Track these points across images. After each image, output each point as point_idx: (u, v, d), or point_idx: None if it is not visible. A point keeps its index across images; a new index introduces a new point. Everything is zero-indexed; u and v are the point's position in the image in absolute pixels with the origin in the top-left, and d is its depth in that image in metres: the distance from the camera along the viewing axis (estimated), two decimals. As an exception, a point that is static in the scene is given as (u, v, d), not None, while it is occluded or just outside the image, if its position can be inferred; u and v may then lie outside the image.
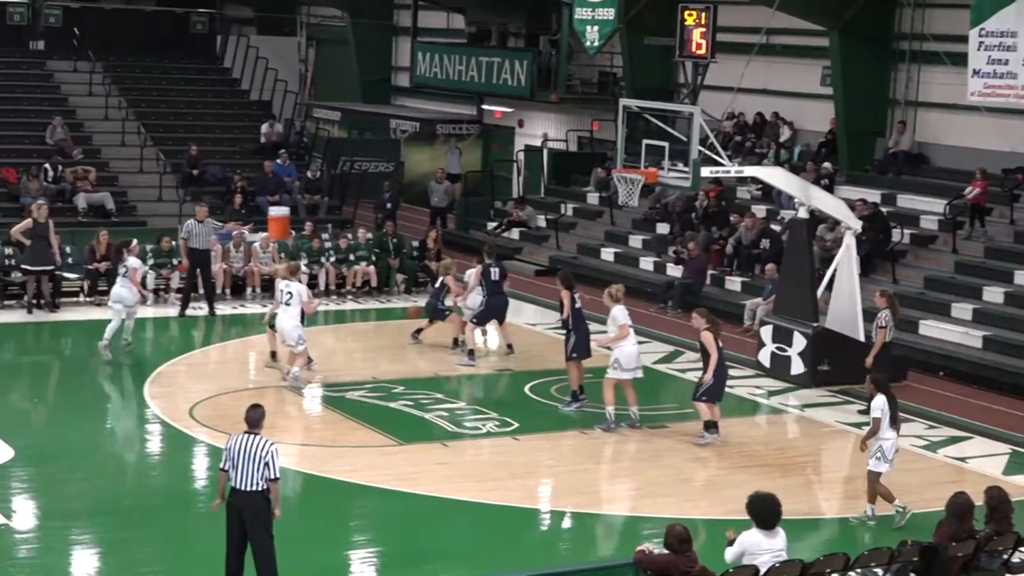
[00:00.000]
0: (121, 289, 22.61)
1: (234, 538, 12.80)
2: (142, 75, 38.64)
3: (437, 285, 24.12)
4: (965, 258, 26.39)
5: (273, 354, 22.12)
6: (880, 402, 16.16)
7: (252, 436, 12.81)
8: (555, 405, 20.36)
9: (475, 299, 23.54)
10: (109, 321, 22.53)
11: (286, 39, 46.45)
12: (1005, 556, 13.03)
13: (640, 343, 20.08)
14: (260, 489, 12.66)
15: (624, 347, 19.25)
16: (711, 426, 18.98)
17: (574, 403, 20.30)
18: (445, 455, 18.08)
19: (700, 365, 19.24)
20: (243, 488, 12.67)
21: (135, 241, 23.89)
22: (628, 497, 17.06)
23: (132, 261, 22.81)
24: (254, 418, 12.97)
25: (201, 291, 26.13)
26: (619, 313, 19.31)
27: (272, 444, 12.79)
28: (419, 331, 24.20)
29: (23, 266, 25.94)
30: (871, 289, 24.78)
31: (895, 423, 16.24)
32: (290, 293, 20.99)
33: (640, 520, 16.26)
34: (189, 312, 26.07)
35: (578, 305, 20.27)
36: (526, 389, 21.72)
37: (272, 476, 12.69)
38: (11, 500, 16.06)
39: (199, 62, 40.31)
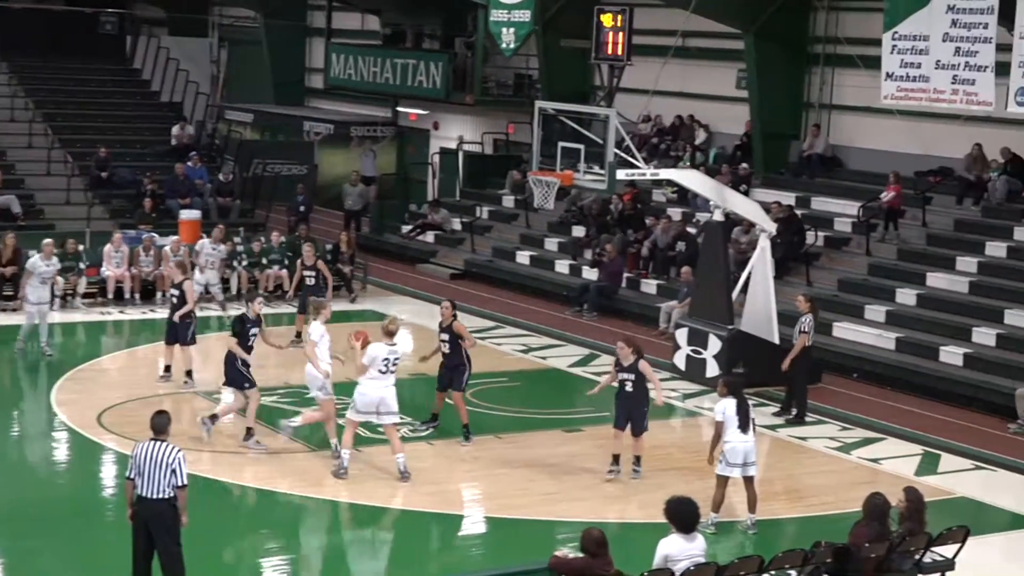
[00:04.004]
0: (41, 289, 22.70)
1: (141, 547, 12.67)
2: (50, 76, 38.17)
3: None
4: (878, 260, 26.67)
5: (168, 368, 21.77)
6: (723, 405, 15.94)
7: (158, 443, 12.67)
8: (472, 410, 20.25)
9: None
10: (17, 326, 22.32)
11: (197, 40, 46.03)
12: (917, 556, 13.16)
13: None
14: (167, 497, 12.53)
15: (361, 385, 17.31)
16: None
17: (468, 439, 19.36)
18: (358, 461, 17.96)
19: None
20: (149, 496, 12.53)
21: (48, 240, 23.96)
22: (543, 501, 17.04)
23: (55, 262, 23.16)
24: (159, 424, 12.83)
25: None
26: (372, 350, 17.19)
27: (179, 451, 12.66)
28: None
29: (-74, 271, 25.62)
30: (786, 292, 24.99)
31: (745, 427, 15.89)
32: None
33: (556, 524, 16.27)
34: (97, 317, 25.99)
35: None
36: (441, 393, 21.67)
37: (179, 483, 12.56)
38: (-87, 510, 15.81)
39: (109, 63, 39.88)
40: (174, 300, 21.37)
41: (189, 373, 21.35)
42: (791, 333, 23.88)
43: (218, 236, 27.99)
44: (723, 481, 16.02)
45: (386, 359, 17.19)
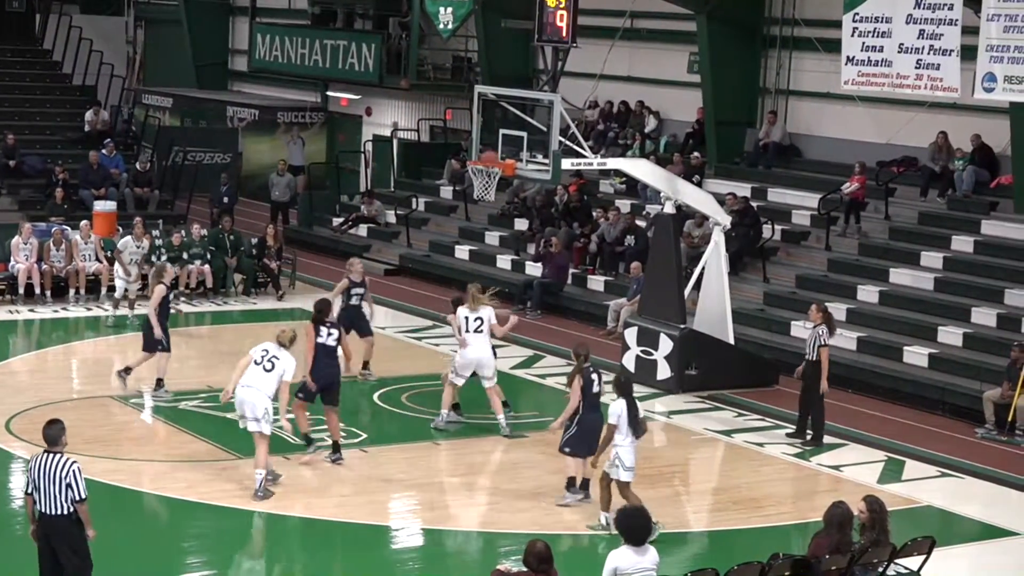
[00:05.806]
0: None
1: (47, 565, 12.56)
2: (-48, 56, 37.90)
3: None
4: (839, 255, 26.83)
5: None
6: (618, 407, 16.01)
7: (52, 455, 12.48)
8: (405, 414, 20.28)
9: None
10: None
11: (112, 19, 45.80)
12: (880, 568, 13.26)
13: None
14: (66, 513, 12.40)
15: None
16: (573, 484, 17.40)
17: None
18: (288, 469, 17.92)
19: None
20: (48, 512, 12.41)
21: None
22: (484, 512, 17.06)
23: None
24: (52, 435, 12.60)
25: None
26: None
27: (73, 463, 12.47)
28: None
29: None
30: (741, 288, 25.11)
31: (637, 429, 15.99)
32: None
33: (497, 536, 16.27)
34: (5, 315, 25.82)
35: (321, 340, 18.25)
36: (375, 397, 21.65)
37: (78, 497, 12.40)
38: None
39: (16, 43, 39.51)
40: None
41: (128, 370, 21.09)
42: (747, 333, 24.14)
43: (139, 233, 27.73)
44: (608, 482, 16.03)
45: (265, 350, 16.95)
